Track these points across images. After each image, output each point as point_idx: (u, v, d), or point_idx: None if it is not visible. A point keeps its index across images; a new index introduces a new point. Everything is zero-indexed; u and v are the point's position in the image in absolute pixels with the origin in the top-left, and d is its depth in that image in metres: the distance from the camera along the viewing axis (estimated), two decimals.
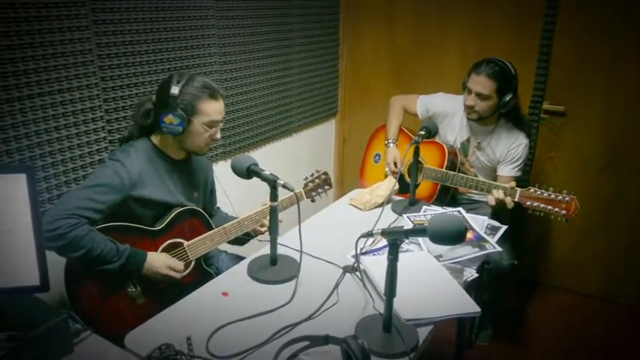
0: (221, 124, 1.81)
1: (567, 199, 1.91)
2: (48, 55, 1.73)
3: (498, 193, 2.04)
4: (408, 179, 2.43)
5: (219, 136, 1.80)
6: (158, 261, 1.70)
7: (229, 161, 1.86)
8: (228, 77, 2.55)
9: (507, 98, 2.24)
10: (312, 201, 2.14)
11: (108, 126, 2.00)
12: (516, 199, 2.01)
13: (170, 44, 2.19)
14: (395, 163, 2.48)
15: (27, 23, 1.66)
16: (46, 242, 1.49)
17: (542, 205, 1.95)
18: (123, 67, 2.01)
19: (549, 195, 1.95)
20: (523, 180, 2.76)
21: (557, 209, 1.92)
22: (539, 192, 1.97)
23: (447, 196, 2.45)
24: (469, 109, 2.31)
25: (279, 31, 2.84)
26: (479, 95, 2.25)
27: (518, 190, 2.01)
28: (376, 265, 1.64)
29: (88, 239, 1.54)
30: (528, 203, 1.98)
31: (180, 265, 1.75)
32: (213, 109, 1.73)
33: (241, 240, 1.97)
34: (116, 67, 1.98)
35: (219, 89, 1.77)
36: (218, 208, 2.17)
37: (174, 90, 1.67)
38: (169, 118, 1.67)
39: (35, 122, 1.75)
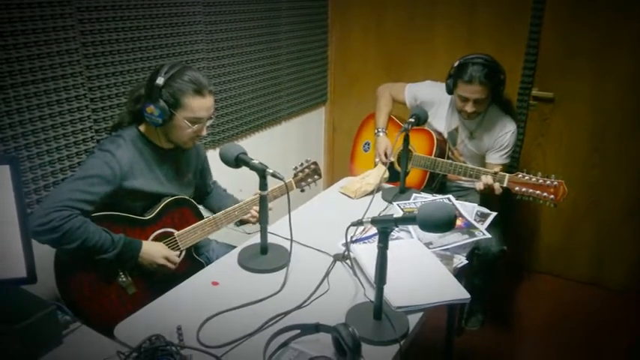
0: (209, 121, 1.76)
1: (555, 183, 1.91)
2: (31, 43, 1.70)
3: (487, 179, 2.05)
4: (397, 167, 2.43)
5: (204, 132, 1.75)
6: (155, 250, 1.69)
7: (218, 150, 1.84)
8: (215, 65, 2.52)
9: (500, 89, 2.30)
10: (302, 191, 2.13)
11: (94, 115, 1.97)
12: (505, 185, 2.02)
13: (156, 31, 2.16)
14: (385, 154, 2.47)
15: (7, 10, 1.61)
16: (40, 236, 1.49)
17: (530, 190, 1.95)
18: (108, 56, 1.98)
19: (537, 180, 1.95)
20: (512, 167, 2.78)
21: (545, 194, 1.92)
22: (527, 177, 1.97)
23: (434, 182, 2.46)
24: (470, 114, 2.31)
25: (267, 17, 2.80)
26: (477, 101, 2.26)
27: (507, 175, 2.02)
28: (366, 253, 1.65)
29: (83, 230, 1.53)
30: (517, 189, 1.99)
31: (176, 257, 1.74)
32: (197, 105, 1.67)
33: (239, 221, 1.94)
34: (101, 55, 1.95)
35: (208, 85, 1.70)
36: (215, 182, 2.12)
37: (159, 81, 1.63)
38: (151, 109, 1.64)
39: (19, 112, 1.71)
